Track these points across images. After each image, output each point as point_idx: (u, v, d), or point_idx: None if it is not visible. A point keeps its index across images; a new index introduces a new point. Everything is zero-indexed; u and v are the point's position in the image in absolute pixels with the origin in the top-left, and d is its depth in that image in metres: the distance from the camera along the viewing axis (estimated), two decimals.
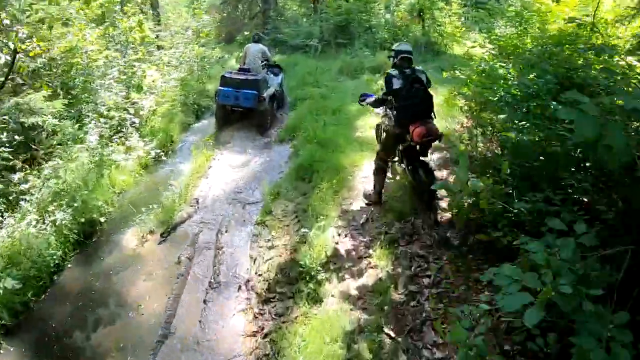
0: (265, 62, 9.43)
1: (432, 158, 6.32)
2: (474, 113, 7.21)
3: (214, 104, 9.74)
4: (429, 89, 4.81)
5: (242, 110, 8.49)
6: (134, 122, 8.14)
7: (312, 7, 20.41)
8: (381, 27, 16.47)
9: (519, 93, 5.24)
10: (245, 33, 22.15)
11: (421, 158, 4.86)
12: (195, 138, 8.82)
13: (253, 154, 7.71)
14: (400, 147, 5.01)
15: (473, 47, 9.45)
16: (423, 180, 4.64)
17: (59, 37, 8.20)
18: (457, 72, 7.58)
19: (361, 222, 4.89)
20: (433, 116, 4.80)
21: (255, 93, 8.16)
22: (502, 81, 5.84)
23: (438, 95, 9.33)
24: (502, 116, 5.43)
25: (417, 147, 4.67)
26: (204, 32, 11.31)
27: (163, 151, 8.07)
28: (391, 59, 5.00)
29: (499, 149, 5.49)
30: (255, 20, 22.72)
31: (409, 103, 4.57)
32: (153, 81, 9.73)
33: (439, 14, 16.44)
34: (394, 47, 5.07)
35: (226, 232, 5.42)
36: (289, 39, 18.13)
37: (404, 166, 5.20)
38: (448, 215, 4.65)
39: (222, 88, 8.35)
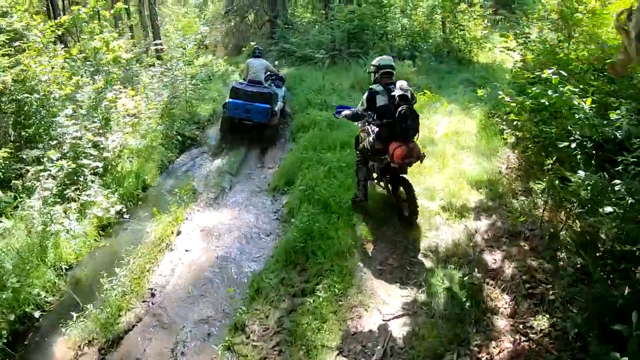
0: (268, 74, 8.93)
1: (477, 226, 4.52)
2: (529, 152, 5.39)
3: (200, 134, 9.10)
4: (413, 106, 4.52)
5: (251, 125, 7.99)
6: (96, 167, 6.51)
7: (324, 13, 18.76)
8: (398, 33, 14.65)
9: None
10: (252, 43, 20.60)
11: (401, 175, 4.72)
12: (172, 182, 7.20)
13: (236, 211, 6.02)
14: (380, 164, 4.87)
15: (506, 51, 8.01)
16: (403, 197, 4.74)
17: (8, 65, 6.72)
18: (496, 90, 5.82)
19: (375, 358, 3.11)
20: (417, 136, 4.61)
21: (267, 107, 7.78)
22: (580, 118, 4.04)
23: (472, 118, 7.59)
24: (581, 174, 3.63)
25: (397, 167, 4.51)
26: (189, 49, 9.65)
27: (130, 203, 6.45)
28: (372, 74, 4.80)
29: (583, 233, 3.70)
30: (264, 29, 21.15)
31: (393, 122, 4.34)
32: (127, 110, 8.11)
33: (461, 17, 14.48)
34: (374, 61, 4.83)
35: (182, 354, 3.71)
36: (297, 49, 16.45)
37: (382, 184, 5.23)
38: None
39: (232, 100, 7.88)
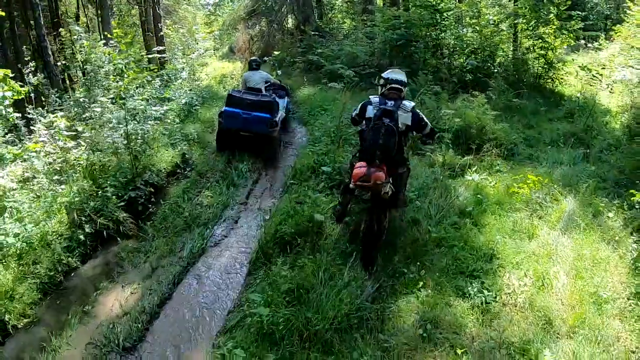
0: (269, 85, 8.21)
1: None
2: None
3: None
4: (424, 129, 4.08)
5: (249, 136, 7.14)
6: None
7: (363, 19, 15.27)
8: (456, 47, 10.91)
9: None
10: (275, 53, 17.36)
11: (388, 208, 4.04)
12: (52, 320, 3.90)
13: None
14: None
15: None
16: (372, 229, 3.93)
17: None
18: None
19: None
20: (402, 165, 4.07)
21: (268, 117, 7.02)
22: None
23: (608, 242, 4.05)
24: None
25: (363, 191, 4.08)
26: (129, 72, 6.28)
27: None
28: (379, 87, 4.21)
29: None
30: (293, 36, 17.88)
31: (368, 137, 3.83)
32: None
33: (543, 29, 10.55)
34: (384, 74, 4.23)
35: None
36: (325, 63, 13.05)
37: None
38: None
39: (228, 109, 7.09)
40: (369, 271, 3.98)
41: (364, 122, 4.13)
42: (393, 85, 4.07)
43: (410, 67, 10.52)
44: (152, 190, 5.99)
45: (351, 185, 3.86)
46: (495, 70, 9.97)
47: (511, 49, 11.29)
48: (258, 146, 7.30)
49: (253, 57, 9.54)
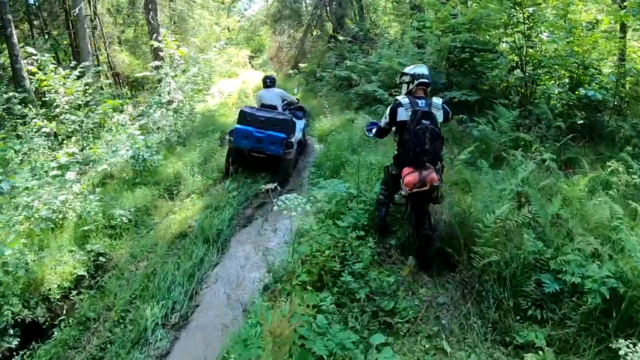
0: (285, 103, 7.32)
1: None
2: None
3: None
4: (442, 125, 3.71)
5: (262, 157, 6.23)
6: None
7: (410, 19, 11.62)
8: (550, 63, 6.90)
9: None
10: (302, 65, 14.09)
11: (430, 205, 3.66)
12: None
13: None
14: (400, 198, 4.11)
15: None
16: (422, 233, 3.61)
17: None
18: None
19: None
20: (439, 162, 3.66)
21: (283, 137, 6.12)
22: None
23: None
24: None
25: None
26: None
27: None
28: (404, 85, 3.73)
29: None
30: (326, 42, 14.57)
31: (412, 142, 3.45)
32: None
33: None
34: (407, 69, 3.79)
35: None
36: (358, 80, 9.62)
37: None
38: None
39: (240, 127, 6.15)
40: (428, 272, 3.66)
41: (393, 128, 3.76)
42: (422, 81, 3.61)
43: (477, 87, 6.87)
44: None
45: (403, 194, 3.55)
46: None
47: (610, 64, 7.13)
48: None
49: (267, 74, 8.18)
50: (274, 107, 6.70)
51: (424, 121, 3.44)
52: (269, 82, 7.30)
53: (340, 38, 11.96)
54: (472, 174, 4.64)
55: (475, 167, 4.75)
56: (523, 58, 6.70)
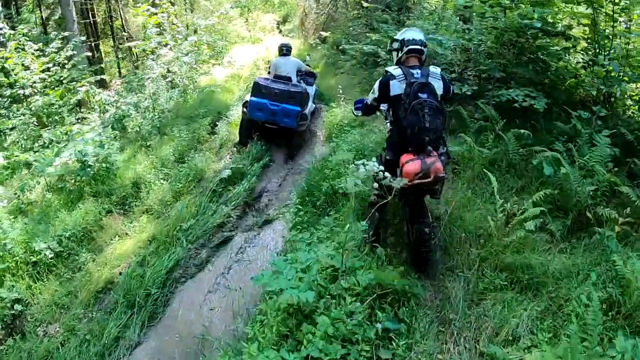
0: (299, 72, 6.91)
1: None
2: None
3: None
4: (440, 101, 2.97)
5: (276, 129, 6.01)
6: None
7: None
8: None
9: None
10: (323, 35, 12.09)
11: (428, 198, 3.09)
12: None
13: None
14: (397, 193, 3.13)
15: None
16: (416, 227, 2.91)
17: None
18: None
19: None
20: (442, 144, 3.02)
21: (298, 110, 5.93)
22: None
23: None
24: None
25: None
26: None
27: None
28: (394, 52, 3.20)
29: None
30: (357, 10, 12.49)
31: (409, 120, 2.84)
32: None
33: None
34: (398, 34, 3.24)
35: None
36: (385, 56, 7.72)
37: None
38: None
39: (254, 99, 5.93)
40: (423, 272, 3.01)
41: (383, 106, 3.29)
42: (412, 47, 3.06)
43: (542, 85, 4.91)
44: None
45: (401, 185, 2.62)
46: None
47: None
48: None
49: (284, 42, 7.55)
50: (289, 78, 6.42)
51: (420, 94, 2.88)
52: (285, 50, 6.87)
53: (365, 4, 9.87)
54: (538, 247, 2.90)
55: (542, 229, 2.99)
56: (603, 48, 4.64)
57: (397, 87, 2.96)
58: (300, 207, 3.88)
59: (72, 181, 5.12)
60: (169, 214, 4.81)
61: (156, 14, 8.05)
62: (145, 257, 4.15)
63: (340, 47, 10.43)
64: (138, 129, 6.30)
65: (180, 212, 4.38)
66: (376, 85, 3.13)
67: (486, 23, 5.59)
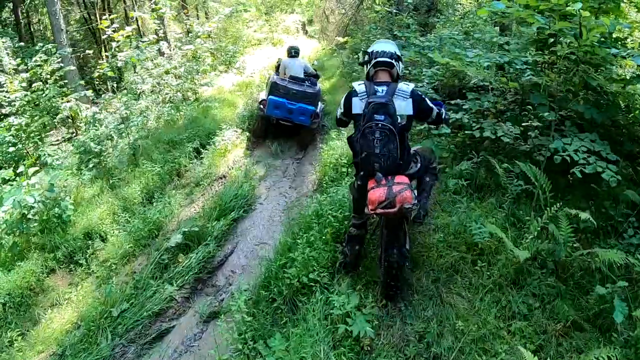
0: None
1: None
2: None
3: None
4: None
5: (290, 126, 6.53)
6: None
7: None
8: None
9: None
10: (340, 40, 10.85)
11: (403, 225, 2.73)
12: None
13: None
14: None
15: None
16: (387, 258, 2.61)
17: None
18: None
19: None
20: (415, 162, 2.81)
21: (312, 109, 6.43)
22: None
23: None
24: None
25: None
26: None
27: None
28: (365, 65, 2.81)
29: None
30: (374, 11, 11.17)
31: (360, 144, 2.56)
32: None
33: None
34: (371, 47, 2.84)
35: None
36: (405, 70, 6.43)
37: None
38: None
39: (273, 97, 6.32)
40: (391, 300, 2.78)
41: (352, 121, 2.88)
42: (380, 60, 2.68)
43: (614, 138, 3.55)
44: None
45: (367, 212, 2.53)
46: None
47: None
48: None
49: (293, 45, 7.67)
50: (303, 80, 6.72)
51: (376, 116, 2.51)
52: (293, 53, 7.27)
53: (377, 8, 8.58)
54: None
55: None
56: None
57: (357, 106, 2.65)
58: (247, 312, 2.68)
59: (11, 235, 4.18)
60: (121, 276, 3.83)
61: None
62: (66, 349, 3.15)
63: (356, 56, 9.20)
64: (104, 161, 5.30)
65: (107, 294, 3.31)
66: (342, 100, 2.81)
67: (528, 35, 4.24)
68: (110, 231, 4.41)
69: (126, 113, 5.69)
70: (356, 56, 9.25)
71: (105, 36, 6.81)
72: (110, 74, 6.42)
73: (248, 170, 5.38)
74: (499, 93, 4.07)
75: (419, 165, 2.84)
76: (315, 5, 20.25)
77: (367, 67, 2.77)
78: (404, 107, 2.59)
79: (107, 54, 7.02)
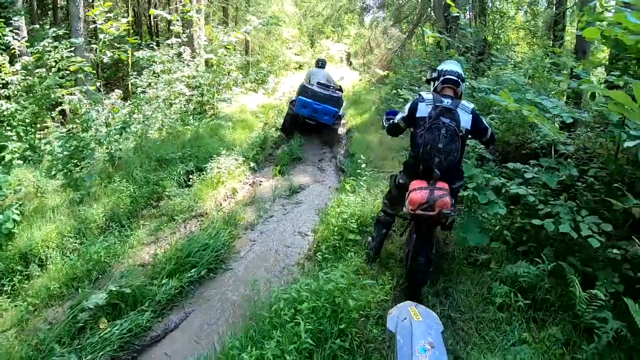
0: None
1: None
2: None
3: None
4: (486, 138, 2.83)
5: (314, 124, 7.31)
6: None
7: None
8: None
9: None
10: (380, 73, 9.88)
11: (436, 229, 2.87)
12: None
13: None
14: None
15: None
16: (415, 262, 2.71)
17: None
18: None
19: None
20: (458, 178, 2.80)
21: (335, 110, 7.07)
22: None
23: None
24: None
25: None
26: None
27: None
28: (432, 83, 2.99)
29: None
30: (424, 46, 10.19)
31: (424, 138, 2.64)
32: None
33: None
34: (440, 65, 2.99)
35: None
36: None
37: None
38: None
39: (302, 97, 6.97)
40: None
41: (412, 128, 2.92)
42: (448, 77, 2.85)
43: None
44: None
45: (405, 210, 2.71)
46: None
47: None
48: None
49: (320, 57, 8.55)
50: (327, 86, 7.23)
51: (443, 118, 2.66)
52: (320, 64, 8.00)
53: (429, 38, 7.62)
54: None
55: None
56: None
57: (423, 110, 2.75)
58: None
59: None
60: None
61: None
62: None
63: (395, 92, 8.21)
64: (72, 169, 4.40)
65: None
66: (407, 105, 2.90)
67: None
68: (54, 257, 3.46)
69: (124, 117, 4.82)
70: (394, 91, 8.31)
71: (93, 26, 6.07)
72: (88, 69, 5.64)
73: (233, 212, 4.30)
74: (580, 162, 2.93)
75: (461, 182, 2.87)
76: (360, 36, 19.56)
77: (434, 83, 2.90)
78: (465, 120, 2.69)
79: (93, 46, 6.27)
